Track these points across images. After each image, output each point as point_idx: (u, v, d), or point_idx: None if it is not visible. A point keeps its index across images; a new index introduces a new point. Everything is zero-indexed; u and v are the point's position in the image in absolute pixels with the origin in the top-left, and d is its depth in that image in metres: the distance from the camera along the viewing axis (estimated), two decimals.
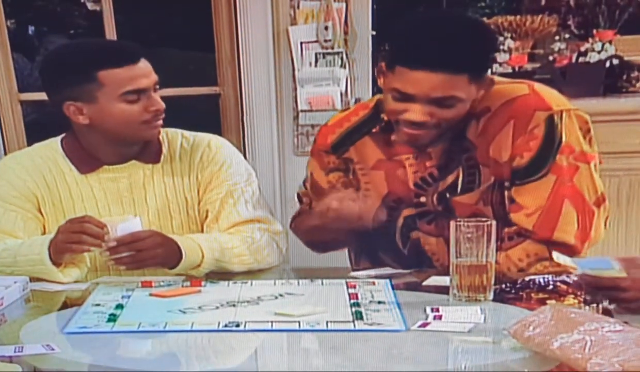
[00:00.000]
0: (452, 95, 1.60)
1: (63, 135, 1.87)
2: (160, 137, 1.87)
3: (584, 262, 1.43)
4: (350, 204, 1.70)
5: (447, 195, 1.70)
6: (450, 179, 1.71)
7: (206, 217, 1.85)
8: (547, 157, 1.63)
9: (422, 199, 1.74)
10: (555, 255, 1.47)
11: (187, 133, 1.91)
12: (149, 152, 1.84)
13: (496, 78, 1.73)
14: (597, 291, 1.37)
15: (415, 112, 1.62)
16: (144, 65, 1.76)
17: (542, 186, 1.62)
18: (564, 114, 1.64)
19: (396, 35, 1.68)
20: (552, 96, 1.67)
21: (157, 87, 1.79)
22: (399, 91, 1.63)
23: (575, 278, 1.48)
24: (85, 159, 1.82)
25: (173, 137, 1.89)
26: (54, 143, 1.87)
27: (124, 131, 1.77)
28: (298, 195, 1.96)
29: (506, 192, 1.67)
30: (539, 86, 1.69)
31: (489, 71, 1.70)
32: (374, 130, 1.78)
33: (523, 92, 1.67)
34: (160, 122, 1.80)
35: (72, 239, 1.63)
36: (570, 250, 1.58)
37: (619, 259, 1.40)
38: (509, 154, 1.64)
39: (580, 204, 1.63)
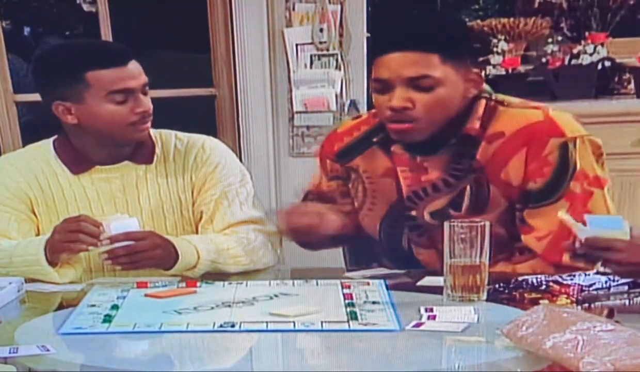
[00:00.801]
0: (425, 74, 1.62)
1: (55, 136, 1.88)
2: (154, 138, 1.87)
3: (595, 219, 1.45)
4: (331, 218, 1.72)
5: (451, 211, 1.70)
6: (450, 196, 1.70)
7: (200, 218, 1.86)
8: (561, 183, 1.64)
9: (413, 213, 1.74)
10: (560, 213, 1.48)
11: (180, 134, 1.91)
12: (142, 152, 1.84)
13: (510, 100, 1.73)
14: (592, 250, 1.39)
15: (396, 98, 1.63)
16: (133, 66, 1.76)
17: (555, 211, 1.61)
18: (577, 141, 1.65)
19: (371, 36, 1.74)
20: (566, 122, 1.68)
21: (147, 89, 1.78)
22: (376, 80, 1.66)
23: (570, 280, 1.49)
24: (77, 159, 1.83)
25: (167, 138, 1.89)
26: (47, 144, 1.87)
27: (111, 132, 1.77)
28: (305, 193, 1.94)
29: (517, 213, 1.67)
30: (553, 112, 1.70)
31: (471, 62, 1.70)
32: (375, 139, 1.78)
33: (537, 118, 1.68)
34: (148, 124, 1.79)
35: (69, 238, 1.63)
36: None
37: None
38: (521, 178, 1.66)
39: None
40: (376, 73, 1.66)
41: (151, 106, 1.78)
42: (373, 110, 1.85)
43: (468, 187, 1.69)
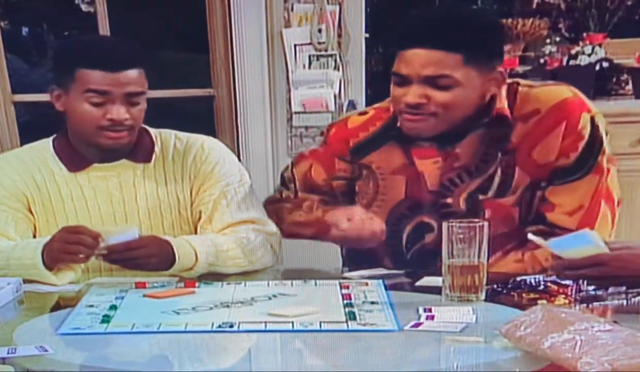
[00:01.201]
0: (444, 73, 1.61)
1: (55, 135, 1.88)
2: (154, 137, 1.88)
3: (558, 242, 1.44)
4: (360, 224, 1.68)
5: (480, 196, 1.70)
6: (480, 180, 1.71)
7: (199, 218, 1.86)
8: (590, 157, 1.67)
9: (449, 201, 1.73)
10: (530, 235, 1.48)
11: (180, 134, 1.91)
12: (141, 151, 1.85)
13: (521, 81, 1.75)
14: (575, 273, 1.39)
15: (412, 94, 1.63)
16: (127, 74, 1.75)
17: (583, 186, 1.66)
18: (597, 117, 1.69)
19: (398, 28, 1.72)
20: (587, 99, 1.73)
21: (135, 99, 1.76)
22: (396, 74, 1.66)
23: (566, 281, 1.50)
24: (75, 157, 1.83)
25: (166, 137, 1.89)
26: (45, 143, 1.88)
27: (82, 131, 1.79)
28: (282, 176, 1.93)
29: (538, 193, 1.68)
30: (576, 90, 1.73)
31: (497, 62, 1.68)
32: (392, 133, 1.77)
33: (569, 94, 1.71)
34: (121, 134, 1.77)
35: (67, 250, 1.63)
36: None
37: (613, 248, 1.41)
38: (553, 155, 1.67)
39: (612, 206, 1.69)
40: (397, 67, 1.66)
41: (126, 117, 1.75)
42: (380, 105, 1.85)
43: (499, 170, 1.69)
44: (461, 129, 1.69)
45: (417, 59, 1.62)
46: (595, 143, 1.67)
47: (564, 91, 1.72)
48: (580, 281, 1.40)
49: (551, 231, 1.65)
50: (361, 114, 1.90)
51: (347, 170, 1.84)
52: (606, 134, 1.72)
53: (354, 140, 1.83)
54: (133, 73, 1.76)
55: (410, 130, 1.70)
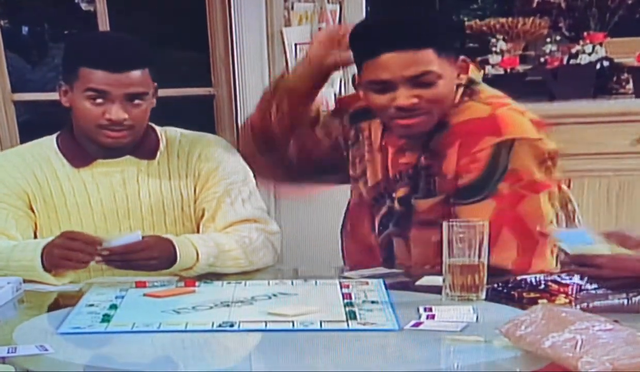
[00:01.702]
0: (425, 70, 1.62)
1: (59, 131, 1.89)
2: (159, 134, 1.88)
3: (566, 235, 1.45)
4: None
5: (413, 198, 1.72)
6: (412, 184, 1.72)
7: (202, 215, 1.86)
8: (488, 182, 1.63)
9: (394, 195, 1.75)
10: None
11: (185, 132, 1.92)
12: (145, 148, 1.85)
13: (482, 93, 1.72)
14: (582, 270, 1.39)
15: (403, 97, 1.63)
16: (130, 75, 1.75)
17: (482, 210, 1.62)
18: (515, 143, 1.63)
19: (351, 39, 1.72)
20: (510, 123, 1.66)
21: (136, 101, 1.76)
22: (374, 82, 1.66)
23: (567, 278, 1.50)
24: (79, 153, 1.83)
25: (172, 135, 1.90)
26: (48, 140, 1.88)
27: (84, 128, 1.79)
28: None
29: (451, 209, 1.68)
30: (503, 111, 1.67)
31: (459, 51, 1.70)
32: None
33: (482, 114, 1.67)
34: (121, 134, 1.77)
35: (67, 256, 1.63)
36: (508, 274, 1.58)
37: (607, 234, 1.41)
38: (454, 173, 1.66)
39: (522, 233, 1.63)
40: (373, 75, 1.65)
41: (125, 117, 1.75)
42: None
43: (423, 173, 1.70)
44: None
45: (393, 62, 1.62)
46: (494, 169, 1.63)
47: (481, 111, 1.67)
48: (584, 279, 1.40)
49: None
50: None
51: (347, 133, 1.85)
52: (543, 161, 1.66)
53: (356, 106, 1.84)
54: (136, 74, 1.76)
55: (405, 133, 1.71)
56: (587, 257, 1.38)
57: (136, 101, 1.77)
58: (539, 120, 1.71)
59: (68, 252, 1.63)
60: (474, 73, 1.76)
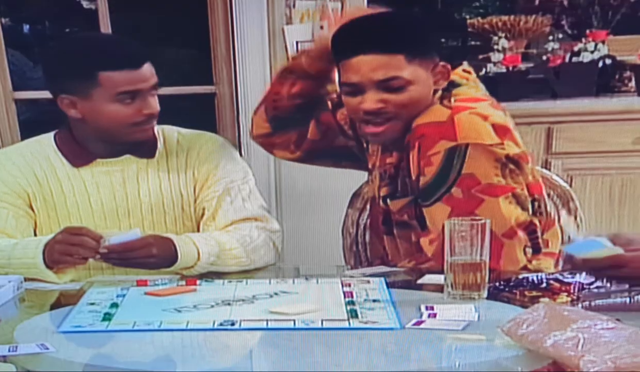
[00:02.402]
0: (394, 75, 1.63)
1: (56, 130, 1.88)
2: (157, 133, 1.88)
3: (574, 247, 1.43)
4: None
5: (388, 198, 1.73)
6: (393, 181, 1.73)
7: (202, 214, 1.86)
8: (439, 186, 1.63)
9: (380, 193, 1.76)
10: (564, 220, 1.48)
11: (183, 130, 1.91)
12: (144, 147, 1.85)
13: (456, 95, 1.70)
14: (598, 272, 1.38)
15: (368, 101, 1.64)
16: (146, 68, 1.76)
17: (440, 213, 1.62)
18: (469, 148, 1.62)
19: (333, 39, 1.72)
20: (466, 128, 1.64)
21: (155, 90, 1.78)
22: (346, 84, 1.68)
23: (570, 276, 1.49)
24: (79, 152, 1.83)
25: (169, 134, 1.89)
26: (46, 138, 1.87)
27: (114, 130, 1.77)
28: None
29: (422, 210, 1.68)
30: (461, 116, 1.65)
31: (436, 55, 1.69)
32: None
33: (441, 118, 1.66)
34: (153, 124, 1.80)
35: (68, 252, 1.63)
36: None
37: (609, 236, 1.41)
38: (416, 173, 1.67)
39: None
40: (345, 77, 1.68)
41: (158, 107, 1.79)
42: None
43: (400, 175, 1.71)
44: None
45: (364, 65, 1.63)
46: (447, 173, 1.62)
47: (441, 114, 1.66)
48: (604, 280, 1.39)
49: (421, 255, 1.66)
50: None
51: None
52: (504, 165, 1.63)
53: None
54: (147, 67, 1.77)
55: (374, 140, 1.73)
56: (607, 258, 1.37)
57: (154, 92, 1.78)
58: (503, 124, 1.67)
59: (70, 247, 1.63)
60: (458, 76, 1.75)
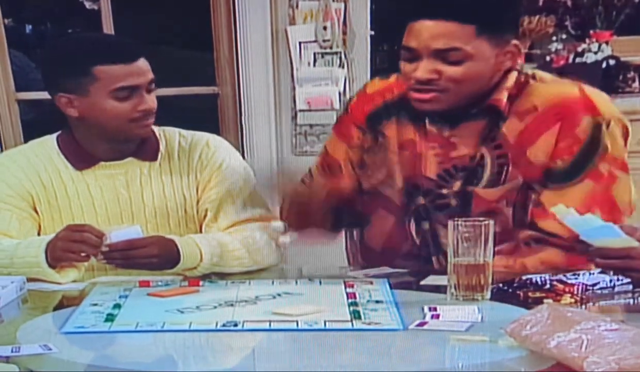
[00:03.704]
0: (455, 46, 1.54)
1: (59, 132, 1.88)
2: (158, 135, 1.87)
3: (589, 230, 1.41)
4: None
5: (468, 187, 1.65)
6: (470, 172, 1.65)
7: (205, 216, 1.86)
8: (587, 162, 1.59)
9: (444, 191, 1.68)
10: (559, 212, 1.43)
11: (184, 132, 1.91)
12: (146, 149, 1.84)
13: (542, 74, 1.67)
14: (608, 263, 1.37)
15: (422, 69, 1.56)
16: (141, 64, 1.76)
17: (575, 192, 1.58)
18: (612, 123, 1.60)
19: None
20: (602, 102, 1.62)
21: (152, 86, 1.78)
22: (405, 48, 1.59)
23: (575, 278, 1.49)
24: (81, 155, 1.83)
25: (170, 135, 1.89)
26: (50, 140, 1.87)
27: (112, 127, 1.77)
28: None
29: (533, 196, 1.62)
30: (589, 89, 1.64)
31: (511, 34, 1.60)
32: (405, 106, 1.69)
33: (573, 93, 1.62)
34: (151, 121, 1.79)
35: (71, 249, 1.63)
36: None
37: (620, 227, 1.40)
38: (548, 156, 1.60)
39: (611, 213, 1.58)
40: (406, 40, 1.59)
41: (155, 104, 1.78)
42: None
43: (489, 162, 1.63)
44: (466, 108, 1.62)
45: (426, 31, 1.55)
46: (594, 148, 1.59)
47: (570, 90, 1.63)
48: (610, 272, 1.38)
49: (543, 238, 1.60)
50: (382, 79, 1.82)
51: (364, 139, 1.77)
52: (625, 140, 1.64)
53: (369, 106, 1.77)
54: (143, 61, 1.77)
55: (421, 107, 1.63)
56: (616, 249, 1.36)
57: (151, 87, 1.78)
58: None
59: (72, 244, 1.63)
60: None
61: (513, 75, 1.64)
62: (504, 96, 1.63)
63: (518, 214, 1.64)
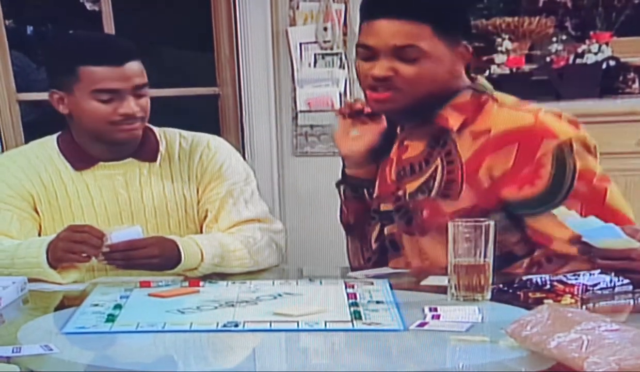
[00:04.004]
0: (412, 43, 1.58)
1: (59, 132, 1.88)
2: (158, 136, 1.88)
3: (590, 231, 1.41)
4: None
5: (419, 195, 1.68)
6: (422, 180, 1.68)
7: (205, 216, 1.86)
8: (562, 184, 1.58)
9: (399, 193, 1.72)
10: (560, 214, 1.43)
11: (185, 133, 1.91)
12: (146, 150, 1.85)
13: (504, 99, 1.67)
14: (610, 263, 1.37)
15: (379, 67, 1.60)
16: (130, 67, 1.75)
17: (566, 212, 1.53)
18: (572, 143, 1.59)
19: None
20: (557, 125, 1.61)
21: (142, 91, 1.77)
22: (362, 45, 1.63)
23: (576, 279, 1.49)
24: (80, 155, 1.83)
25: (171, 136, 1.89)
26: (50, 141, 1.87)
27: (93, 128, 1.78)
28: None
29: (522, 224, 1.60)
30: (544, 116, 1.62)
31: (463, 36, 1.64)
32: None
33: (528, 120, 1.61)
34: (136, 125, 1.78)
35: (72, 249, 1.63)
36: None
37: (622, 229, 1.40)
38: (506, 180, 1.59)
39: (623, 220, 1.56)
40: (363, 39, 1.63)
41: (137, 108, 1.76)
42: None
43: (439, 171, 1.65)
44: (420, 113, 1.65)
45: (385, 30, 1.59)
46: (563, 170, 1.58)
47: (526, 118, 1.61)
48: (612, 274, 1.38)
49: (562, 254, 1.59)
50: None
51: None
52: (593, 155, 1.63)
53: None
54: (135, 64, 1.76)
55: (378, 107, 1.68)
56: (617, 250, 1.36)
57: (141, 92, 1.78)
58: (574, 119, 1.66)
59: (73, 244, 1.63)
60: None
61: (465, 96, 1.65)
62: (448, 114, 1.65)
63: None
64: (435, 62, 1.60)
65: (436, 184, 1.66)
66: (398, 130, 1.75)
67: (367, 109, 1.73)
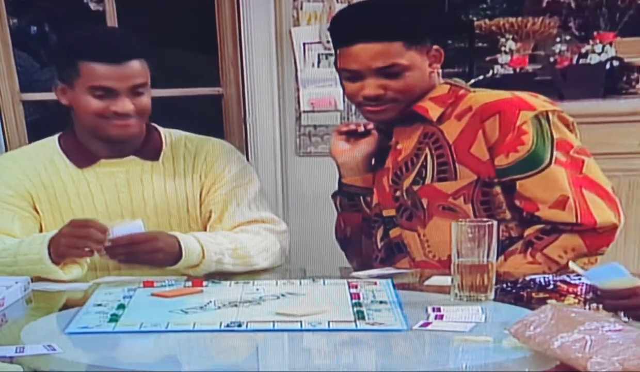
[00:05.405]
0: (393, 62, 1.70)
1: (60, 133, 1.89)
2: (163, 136, 1.88)
3: (595, 273, 1.42)
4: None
5: (414, 187, 1.75)
6: (416, 169, 1.76)
7: (209, 217, 1.86)
8: (544, 150, 1.67)
9: (397, 194, 1.78)
10: (572, 264, 1.46)
11: (190, 135, 1.93)
12: (149, 148, 1.86)
13: (481, 89, 1.80)
14: (616, 303, 1.36)
15: (369, 87, 1.72)
16: (129, 66, 1.76)
17: (550, 178, 1.65)
18: (549, 115, 1.69)
19: (331, 24, 1.83)
20: (534, 100, 1.73)
21: (141, 90, 1.77)
22: (345, 69, 1.75)
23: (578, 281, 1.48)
24: (83, 153, 1.84)
25: (176, 137, 1.90)
26: (50, 141, 1.88)
27: (89, 123, 1.79)
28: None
29: (495, 189, 1.68)
30: (520, 93, 1.74)
31: (431, 41, 1.76)
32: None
33: (505, 95, 1.73)
34: (130, 122, 1.78)
35: (75, 244, 1.63)
36: (614, 232, 1.62)
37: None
38: (494, 150, 1.68)
39: (602, 192, 1.66)
40: (344, 64, 1.74)
41: (131, 108, 1.77)
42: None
43: (429, 159, 1.73)
44: (403, 112, 1.76)
45: (363, 54, 1.71)
46: (544, 138, 1.67)
47: (501, 94, 1.74)
48: (620, 313, 1.38)
49: (553, 228, 1.65)
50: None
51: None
52: (570, 130, 1.72)
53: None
54: (136, 64, 1.77)
55: (374, 118, 1.80)
56: (626, 290, 1.35)
57: (139, 91, 1.78)
58: (551, 101, 1.77)
59: (76, 240, 1.63)
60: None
61: (443, 87, 1.78)
62: (427, 104, 1.76)
63: (478, 210, 1.70)
64: (416, 70, 1.73)
65: (428, 171, 1.73)
66: (392, 142, 1.82)
67: (361, 129, 1.85)
